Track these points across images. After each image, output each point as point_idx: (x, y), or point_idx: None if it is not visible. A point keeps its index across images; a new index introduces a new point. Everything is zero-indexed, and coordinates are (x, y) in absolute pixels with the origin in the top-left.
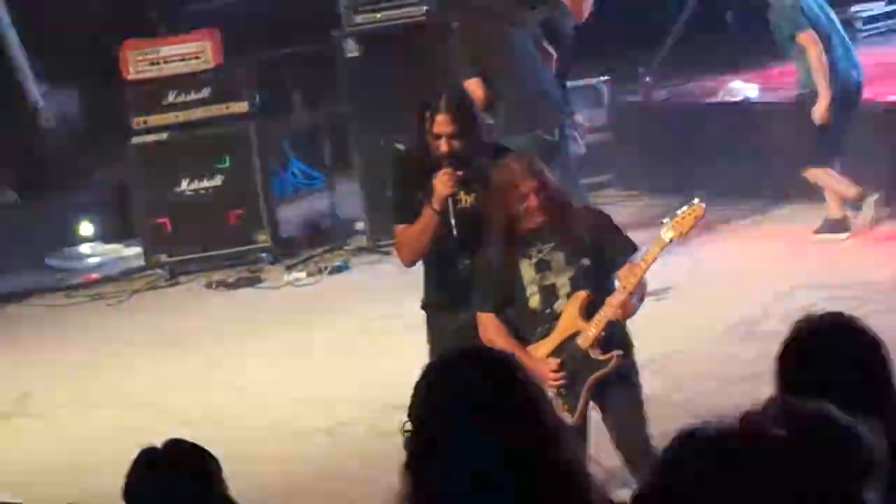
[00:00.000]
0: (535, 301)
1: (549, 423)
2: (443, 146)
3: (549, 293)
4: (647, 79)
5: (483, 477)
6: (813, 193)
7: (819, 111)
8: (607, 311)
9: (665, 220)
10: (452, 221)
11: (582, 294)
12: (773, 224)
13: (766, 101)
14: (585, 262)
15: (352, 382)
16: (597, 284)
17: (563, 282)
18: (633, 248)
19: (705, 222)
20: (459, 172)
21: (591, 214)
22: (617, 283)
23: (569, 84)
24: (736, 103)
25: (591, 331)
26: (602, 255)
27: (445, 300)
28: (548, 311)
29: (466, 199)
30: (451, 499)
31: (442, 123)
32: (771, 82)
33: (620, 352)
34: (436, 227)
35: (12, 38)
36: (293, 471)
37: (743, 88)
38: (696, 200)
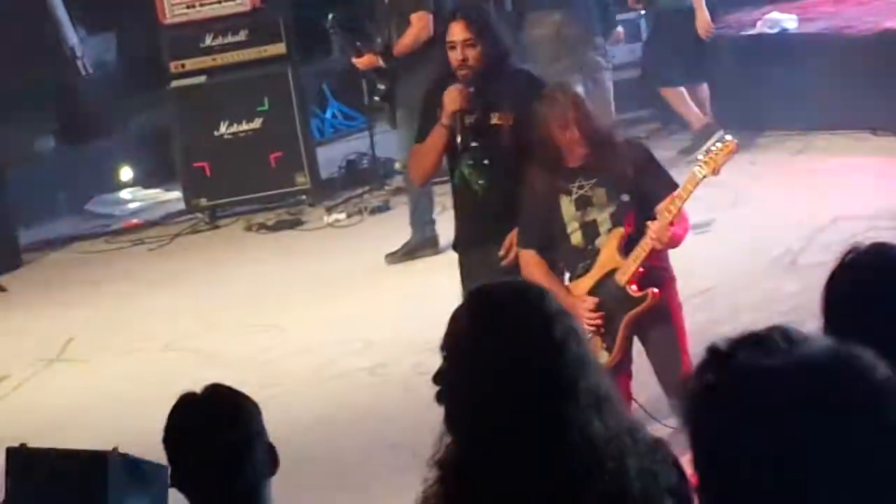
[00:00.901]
0: (576, 238)
1: (582, 355)
2: (457, 55)
3: (591, 229)
4: None
5: (517, 407)
6: (853, 124)
7: (705, 24)
8: (645, 246)
9: (699, 157)
10: (458, 138)
11: (620, 230)
12: (813, 155)
13: (804, 33)
14: (625, 197)
15: (393, 323)
16: (637, 220)
17: (603, 217)
18: (674, 185)
19: (744, 155)
20: (470, 89)
21: (632, 149)
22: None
23: None
24: (774, 35)
25: (629, 267)
26: (643, 191)
27: (465, 236)
28: (589, 247)
29: (478, 118)
30: (485, 430)
31: (455, 31)
32: (809, 13)
33: (656, 289)
34: (445, 144)
35: None
36: (334, 412)
37: (781, 20)
38: (728, 136)
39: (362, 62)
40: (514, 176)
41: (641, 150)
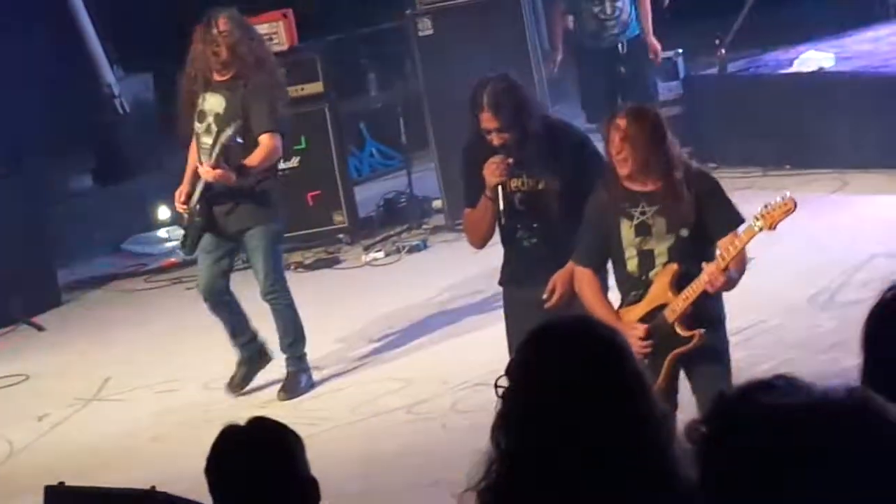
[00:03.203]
0: (632, 265)
1: (653, 403)
2: (494, 140)
3: (647, 259)
4: (722, 50)
5: (575, 439)
6: (890, 162)
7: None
8: (697, 287)
9: (758, 210)
10: (500, 207)
11: (673, 266)
12: (850, 194)
13: (841, 71)
14: (685, 232)
15: (431, 361)
16: (694, 256)
17: (661, 250)
18: (740, 220)
19: (781, 192)
20: (509, 160)
21: (699, 179)
22: (717, 253)
23: None
24: (811, 73)
25: (679, 305)
26: (704, 223)
27: (513, 276)
28: (643, 277)
29: (524, 183)
30: (536, 456)
31: (486, 120)
32: (846, 52)
33: (703, 330)
34: (493, 213)
35: (87, 24)
36: (373, 450)
37: (818, 59)
38: (787, 193)
39: (218, 175)
40: (564, 234)
41: (708, 181)
